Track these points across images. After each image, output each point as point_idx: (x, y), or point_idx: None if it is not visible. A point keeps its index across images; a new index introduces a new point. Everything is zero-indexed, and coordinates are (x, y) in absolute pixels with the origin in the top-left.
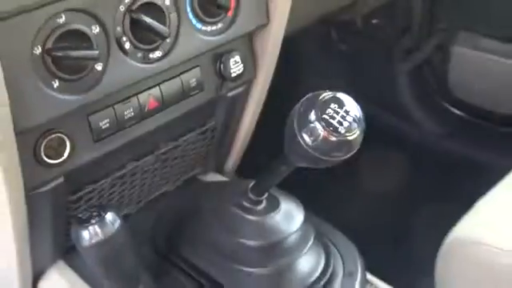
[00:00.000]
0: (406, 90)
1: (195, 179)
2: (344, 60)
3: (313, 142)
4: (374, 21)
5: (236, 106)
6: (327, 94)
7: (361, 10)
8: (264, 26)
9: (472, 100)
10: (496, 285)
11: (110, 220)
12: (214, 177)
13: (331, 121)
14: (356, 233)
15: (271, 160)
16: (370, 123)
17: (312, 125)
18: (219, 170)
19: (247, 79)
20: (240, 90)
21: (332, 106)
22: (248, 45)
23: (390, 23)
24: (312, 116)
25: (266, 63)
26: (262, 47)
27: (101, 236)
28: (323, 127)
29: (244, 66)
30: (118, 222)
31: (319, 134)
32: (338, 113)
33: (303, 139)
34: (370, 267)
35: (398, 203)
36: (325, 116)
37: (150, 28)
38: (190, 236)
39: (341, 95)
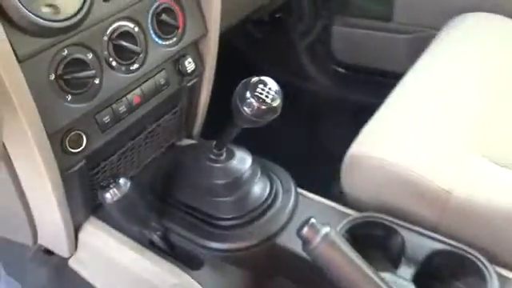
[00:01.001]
0: (305, 59)
1: (174, 145)
2: (262, 46)
3: (250, 111)
4: (277, 15)
5: (194, 92)
6: (255, 78)
7: (268, 8)
8: (204, 35)
9: (350, 61)
10: (389, 190)
11: (122, 183)
12: (186, 141)
13: (260, 96)
14: (288, 164)
15: (224, 125)
16: (283, 87)
17: (248, 100)
18: (189, 136)
19: (199, 72)
20: (195, 80)
21: (259, 85)
22: (196, 49)
23: (288, 15)
24: (248, 94)
25: (210, 59)
26: (205, 49)
27: (118, 194)
28: (256, 101)
29: (195, 64)
30: (128, 183)
31: (254, 106)
32: (263, 90)
33: (244, 110)
34: (299, 185)
35: (311, 137)
36: (256, 93)
37: (127, 49)
38: (178, 183)
39: (264, 78)
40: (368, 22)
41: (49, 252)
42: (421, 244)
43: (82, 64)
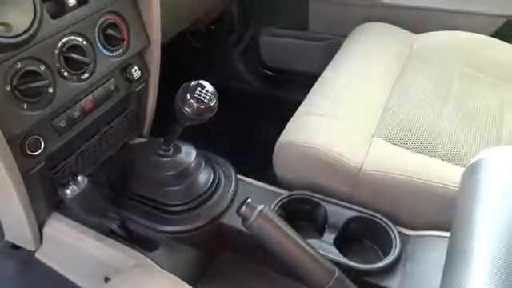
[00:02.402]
0: (238, 64)
1: (127, 143)
2: (200, 54)
3: (191, 111)
4: (213, 27)
5: (142, 96)
6: (194, 82)
7: (204, 21)
8: (147, 46)
9: (276, 65)
10: (312, 171)
11: (80, 180)
12: (138, 140)
13: (199, 97)
14: (227, 155)
15: (170, 124)
16: (221, 89)
17: (189, 101)
18: (140, 135)
19: (144, 79)
20: (142, 86)
21: (198, 88)
22: (141, 58)
23: (222, 27)
24: (188, 96)
25: (154, 67)
26: (149, 58)
27: (77, 190)
28: (195, 102)
29: (141, 72)
30: (85, 180)
31: (194, 106)
32: (201, 92)
33: (186, 110)
34: (239, 172)
35: (246, 130)
36: (195, 95)
37: (77, 60)
38: (132, 177)
39: (201, 81)
40: (288, 31)
41: (16, 247)
42: (339, 213)
43: (35, 75)
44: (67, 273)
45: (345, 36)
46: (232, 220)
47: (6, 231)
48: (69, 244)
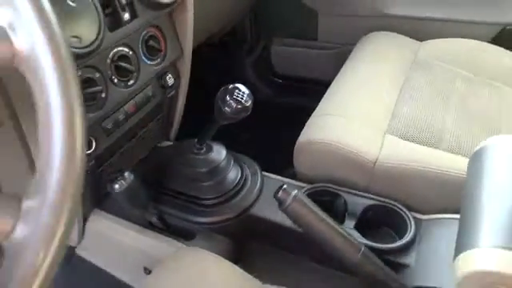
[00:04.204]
0: (250, 73)
1: (156, 147)
2: (214, 65)
3: (230, 111)
4: (226, 39)
5: (173, 102)
6: (232, 85)
7: (219, 34)
8: (180, 56)
9: (286, 73)
10: (331, 165)
11: (127, 175)
12: (166, 143)
13: (237, 98)
14: (252, 154)
15: (206, 124)
16: None
17: (228, 102)
18: (168, 139)
19: (176, 85)
20: (173, 92)
21: (236, 90)
22: (174, 67)
23: (235, 39)
24: (227, 97)
25: (185, 74)
26: (181, 66)
27: (125, 185)
28: (234, 102)
29: (174, 79)
30: (131, 175)
31: (233, 106)
32: (239, 93)
33: (226, 110)
34: (263, 169)
35: (263, 134)
36: (234, 96)
37: (125, 68)
38: (169, 174)
39: (238, 85)
40: (299, 41)
41: None
42: (357, 202)
43: (91, 82)
44: (107, 266)
45: (353, 45)
46: (260, 211)
47: None
48: (109, 238)
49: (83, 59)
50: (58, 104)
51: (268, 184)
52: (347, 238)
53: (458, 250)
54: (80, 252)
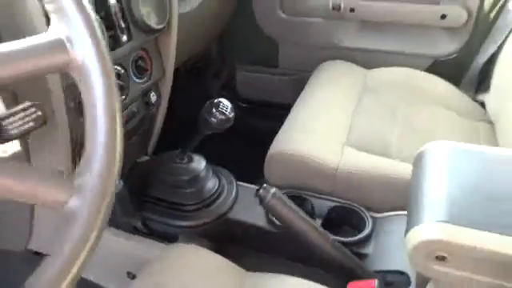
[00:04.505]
0: (216, 96)
1: (136, 162)
2: (181, 88)
3: (216, 121)
4: (196, 64)
5: (153, 117)
6: (217, 99)
7: (191, 60)
8: (163, 76)
9: (250, 97)
10: (298, 174)
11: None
12: (144, 158)
13: (221, 110)
14: (229, 166)
15: (190, 135)
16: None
17: (214, 113)
18: (145, 154)
19: (158, 103)
20: (154, 108)
21: (221, 104)
22: (156, 86)
23: (201, 65)
24: (213, 110)
25: (165, 93)
26: (163, 86)
27: (115, 191)
28: (219, 114)
29: (157, 97)
30: (121, 183)
31: (218, 117)
32: (223, 107)
33: (212, 121)
34: (238, 179)
35: (237, 149)
36: (219, 109)
37: (119, 85)
38: (152, 182)
39: (221, 99)
40: (261, 67)
41: (38, 254)
42: (323, 205)
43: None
44: (89, 274)
45: (310, 72)
46: (237, 215)
47: (33, 238)
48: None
49: None
50: (102, 103)
51: (242, 192)
52: (318, 229)
53: (408, 229)
54: None
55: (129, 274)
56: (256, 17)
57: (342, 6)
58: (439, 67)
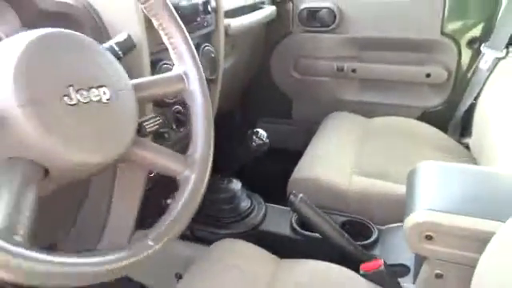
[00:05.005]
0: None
1: None
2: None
3: (257, 147)
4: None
5: None
6: (255, 130)
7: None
8: None
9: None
10: (317, 195)
11: None
12: None
13: (259, 137)
14: (260, 191)
15: (232, 161)
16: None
17: (254, 139)
18: None
19: None
20: None
21: (259, 133)
22: None
23: (224, 118)
24: (254, 137)
25: None
26: None
27: None
28: (258, 140)
29: None
30: None
31: (257, 142)
32: (260, 135)
33: (252, 145)
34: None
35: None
36: (258, 136)
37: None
38: None
39: (258, 129)
40: (277, 119)
41: None
42: (336, 220)
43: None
44: (140, 278)
45: (319, 122)
46: (266, 227)
47: (103, 239)
48: None
49: None
50: (202, 113)
51: (270, 211)
52: (336, 228)
53: (404, 218)
54: None
55: (176, 274)
56: (273, 77)
57: (345, 67)
58: (428, 116)
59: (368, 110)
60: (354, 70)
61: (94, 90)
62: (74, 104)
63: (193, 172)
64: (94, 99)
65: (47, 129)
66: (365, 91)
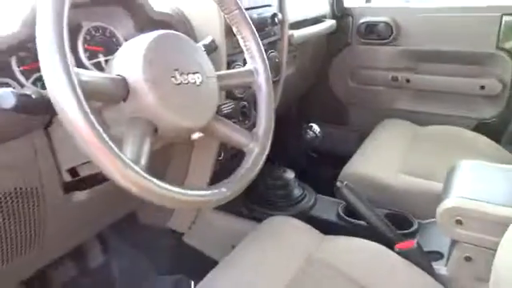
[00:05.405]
0: (292, 146)
1: None
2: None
3: (309, 137)
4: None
5: None
6: (310, 124)
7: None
8: None
9: (321, 148)
10: (367, 191)
11: None
12: None
13: (313, 130)
14: (310, 181)
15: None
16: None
17: (308, 132)
18: None
19: None
20: None
21: (312, 127)
22: None
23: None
24: (308, 130)
25: None
26: None
27: None
28: (312, 132)
29: None
30: None
31: (311, 135)
32: (314, 129)
33: (306, 137)
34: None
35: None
36: (312, 129)
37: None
38: (258, 183)
39: (313, 124)
40: (333, 124)
41: (174, 232)
42: (381, 211)
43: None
44: (202, 247)
45: (372, 128)
46: (316, 212)
47: (172, 219)
48: (211, 225)
49: None
50: (266, 100)
51: (319, 200)
52: (377, 213)
53: (438, 205)
54: (186, 239)
55: (233, 246)
56: (331, 84)
57: (400, 77)
58: (483, 127)
59: (421, 119)
60: (408, 80)
61: (191, 74)
62: (178, 83)
63: (256, 145)
64: (191, 81)
65: (160, 98)
66: (418, 101)
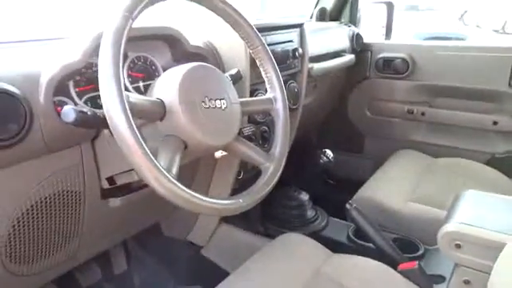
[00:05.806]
0: (308, 172)
1: None
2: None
3: (323, 162)
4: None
5: None
6: (324, 150)
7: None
8: None
9: (337, 177)
10: (376, 215)
11: None
12: None
13: (327, 156)
14: (323, 205)
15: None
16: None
17: (322, 157)
18: None
19: None
20: None
21: (326, 152)
22: None
23: (297, 148)
24: (321, 155)
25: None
26: None
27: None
28: (326, 158)
29: None
30: None
31: (325, 159)
32: (328, 154)
33: (320, 162)
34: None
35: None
36: (326, 155)
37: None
38: (274, 204)
39: (326, 149)
40: (349, 153)
41: (192, 244)
42: (389, 236)
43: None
44: (220, 261)
45: (387, 158)
46: (327, 234)
47: (192, 232)
48: (231, 241)
49: None
50: (283, 125)
51: (331, 222)
52: (385, 236)
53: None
54: (204, 253)
55: None
56: (348, 114)
57: (415, 110)
58: (496, 162)
59: (435, 151)
60: (423, 113)
61: (218, 100)
62: (207, 108)
63: (271, 164)
64: (218, 106)
65: (192, 120)
66: (433, 133)
